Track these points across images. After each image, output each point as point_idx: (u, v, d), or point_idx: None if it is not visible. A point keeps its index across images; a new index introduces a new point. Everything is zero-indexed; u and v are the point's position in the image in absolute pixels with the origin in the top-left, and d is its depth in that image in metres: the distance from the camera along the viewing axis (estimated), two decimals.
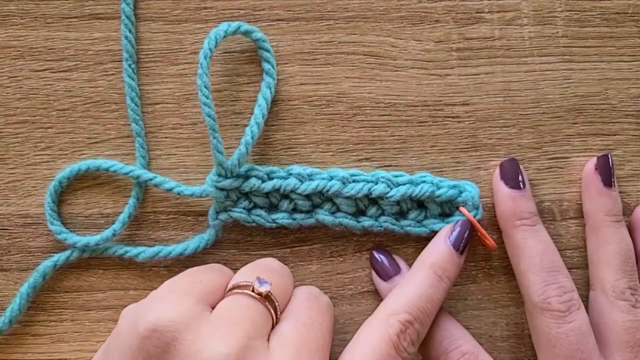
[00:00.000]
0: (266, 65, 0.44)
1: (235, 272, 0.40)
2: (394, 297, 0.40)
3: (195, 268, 0.41)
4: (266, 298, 0.38)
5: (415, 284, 0.40)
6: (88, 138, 0.45)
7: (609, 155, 0.43)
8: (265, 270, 0.40)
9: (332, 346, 0.44)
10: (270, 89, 0.43)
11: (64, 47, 0.45)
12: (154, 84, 0.45)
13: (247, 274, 0.39)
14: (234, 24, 0.42)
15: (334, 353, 0.44)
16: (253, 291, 0.37)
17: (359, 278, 0.44)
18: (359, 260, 0.44)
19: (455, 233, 0.42)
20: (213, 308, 0.37)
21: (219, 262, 0.44)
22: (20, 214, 0.44)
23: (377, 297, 0.44)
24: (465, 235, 0.42)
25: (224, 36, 0.42)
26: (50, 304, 0.44)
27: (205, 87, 0.41)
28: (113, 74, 0.45)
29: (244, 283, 0.38)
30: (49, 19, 0.45)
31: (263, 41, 0.44)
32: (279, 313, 0.38)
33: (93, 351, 0.44)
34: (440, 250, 0.41)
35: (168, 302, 0.37)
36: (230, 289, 0.38)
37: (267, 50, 0.44)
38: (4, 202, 0.44)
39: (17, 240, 0.44)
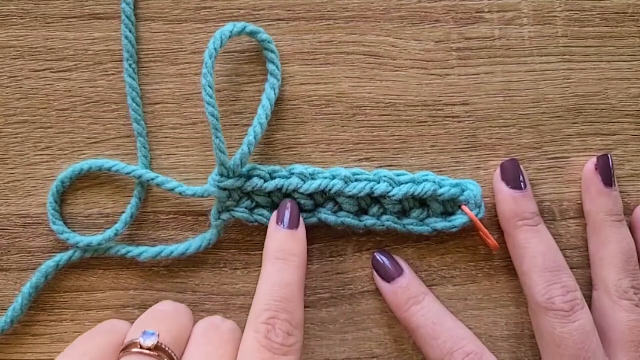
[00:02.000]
0: (271, 67, 0.44)
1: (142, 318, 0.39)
2: (253, 303, 0.39)
3: (84, 335, 0.39)
4: (157, 350, 0.36)
5: (264, 278, 0.39)
6: (88, 138, 0.45)
7: (609, 155, 0.43)
8: (155, 319, 0.39)
9: (332, 346, 0.44)
10: (274, 90, 0.43)
11: (63, 47, 0.45)
12: (154, 84, 0.45)
13: (136, 329, 0.38)
14: (240, 25, 0.42)
15: (335, 352, 0.44)
16: (141, 348, 0.36)
17: (359, 278, 0.44)
18: (359, 260, 0.44)
19: (286, 217, 0.41)
20: None
21: (219, 262, 0.44)
22: (20, 214, 0.44)
23: (377, 297, 0.44)
24: (295, 212, 0.41)
25: (230, 37, 0.42)
26: (50, 304, 0.44)
27: (210, 86, 0.41)
28: (113, 74, 0.45)
29: (131, 341, 0.37)
30: (48, 19, 0.45)
31: (268, 42, 0.44)
32: (176, 359, 0.37)
33: None
34: (274, 238, 0.41)
35: None
36: (123, 349, 0.37)
37: (273, 52, 0.44)
38: (4, 203, 0.44)
39: (17, 240, 0.44)
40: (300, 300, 0.39)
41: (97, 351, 0.37)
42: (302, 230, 0.41)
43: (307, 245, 0.41)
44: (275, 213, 0.42)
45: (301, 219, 0.42)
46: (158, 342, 0.36)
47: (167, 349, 0.36)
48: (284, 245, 0.40)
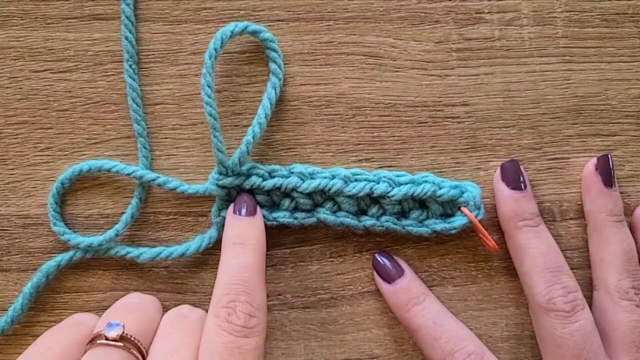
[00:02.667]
0: (273, 66, 0.44)
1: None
2: (214, 290, 0.39)
3: (49, 330, 0.39)
4: (122, 340, 0.36)
5: (222, 264, 0.39)
6: (88, 139, 0.45)
7: (609, 156, 0.43)
8: (121, 311, 0.39)
9: (332, 347, 0.44)
10: (275, 90, 0.43)
11: (63, 47, 0.45)
12: (154, 84, 0.45)
13: (102, 321, 0.38)
14: (242, 24, 0.42)
15: (335, 353, 0.44)
16: (107, 339, 0.36)
17: (359, 278, 0.44)
18: (359, 260, 0.44)
19: (243, 206, 0.41)
20: None
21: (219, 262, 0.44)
22: (20, 214, 0.44)
23: (377, 297, 0.44)
24: (251, 202, 0.42)
25: (231, 36, 0.42)
26: (50, 305, 0.44)
27: (209, 86, 0.41)
28: (113, 75, 0.45)
29: (96, 333, 0.37)
30: (48, 19, 0.45)
31: (270, 41, 0.44)
32: (143, 349, 0.37)
33: None
34: (231, 225, 0.41)
35: None
36: (89, 342, 0.37)
37: (275, 51, 0.44)
38: (3, 203, 0.44)
39: (17, 240, 0.44)
40: (261, 283, 0.38)
41: (61, 345, 0.37)
42: (259, 218, 0.42)
43: (265, 234, 0.41)
44: (231, 205, 0.42)
45: (259, 209, 0.42)
46: (123, 333, 0.36)
47: (132, 338, 0.36)
48: (240, 230, 0.40)
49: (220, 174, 0.42)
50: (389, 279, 0.43)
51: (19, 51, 0.45)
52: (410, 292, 0.43)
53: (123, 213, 0.44)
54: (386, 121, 0.44)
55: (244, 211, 0.41)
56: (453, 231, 0.42)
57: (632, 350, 0.41)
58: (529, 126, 0.44)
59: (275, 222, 0.43)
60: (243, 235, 0.40)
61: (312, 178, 0.42)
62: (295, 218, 0.43)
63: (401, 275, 0.43)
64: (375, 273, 0.44)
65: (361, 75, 0.44)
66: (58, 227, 0.43)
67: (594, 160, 0.43)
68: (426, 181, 0.42)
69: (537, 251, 0.42)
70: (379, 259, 0.44)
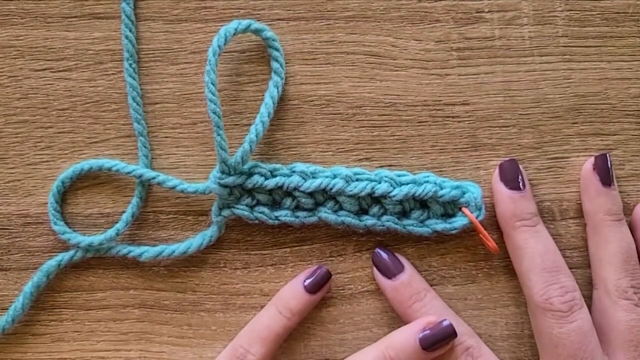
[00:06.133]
0: (275, 65, 0.44)
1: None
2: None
3: None
4: None
5: (257, 316, 0.43)
6: (88, 138, 0.45)
7: (607, 155, 0.43)
8: None
9: (332, 346, 0.44)
10: (277, 89, 0.43)
11: (63, 46, 0.45)
12: (154, 83, 0.45)
13: None
14: (245, 22, 0.42)
15: (335, 352, 0.44)
16: None
17: (359, 278, 0.44)
18: (359, 259, 0.44)
19: (312, 280, 0.43)
20: None
21: (219, 262, 0.44)
22: (20, 213, 0.44)
23: (377, 296, 0.44)
24: (321, 283, 0.43)
25: (234, 34, 0.42)
26: (50, 304, 0.44)
27: (212, 83, 0.41)
28: (113, 74, 0.45)
29: None
30: (48, 18, 0.45)
31: (273, 40, 0.44)
32: None
33: (93, 351, 0.44)
34: (291, 289, 0.43)
35: None
36: None
37: (277, 50, 0.44)
38: (4, 202, 0.44)
39: (17, 239, 0.44)
40: (270, 345, 0.43)
41: None
42: (317, 296, 0.43)
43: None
44: (311, 269, 0.44)
45: (320, 288, 0.44)
46: None
47: None
48: (290, 300, 0.43)
49: (223, 172, 0.42)
50: (389, 275, 0.43)
51: (19, 50, 0.45)
52: (411, 288, 0.43)
53: (123, 212, 0.44)
54: (386, 120, 0.44)
55: (309, 287, 0.43)
56: (454, 231, 0.42)
57: (630, 349, 0.41)
58: (529, 125, 0.44)
59: (276, 221, 0.43)
60: (290, 305, 0.43)
61: (313, 177, 0.42)
62: (297, 217, 0.43)
63: (401, 271, 0.43)
64: (375, 269, 0.44)
65: (361, 74, 0.44)
66: (58, 227, 0.43)
67: (592, 159, 0.43)
68: (427, 181, 0.42)
69: (535, 251, 0.42)
70: (379, 254, 0.44)
